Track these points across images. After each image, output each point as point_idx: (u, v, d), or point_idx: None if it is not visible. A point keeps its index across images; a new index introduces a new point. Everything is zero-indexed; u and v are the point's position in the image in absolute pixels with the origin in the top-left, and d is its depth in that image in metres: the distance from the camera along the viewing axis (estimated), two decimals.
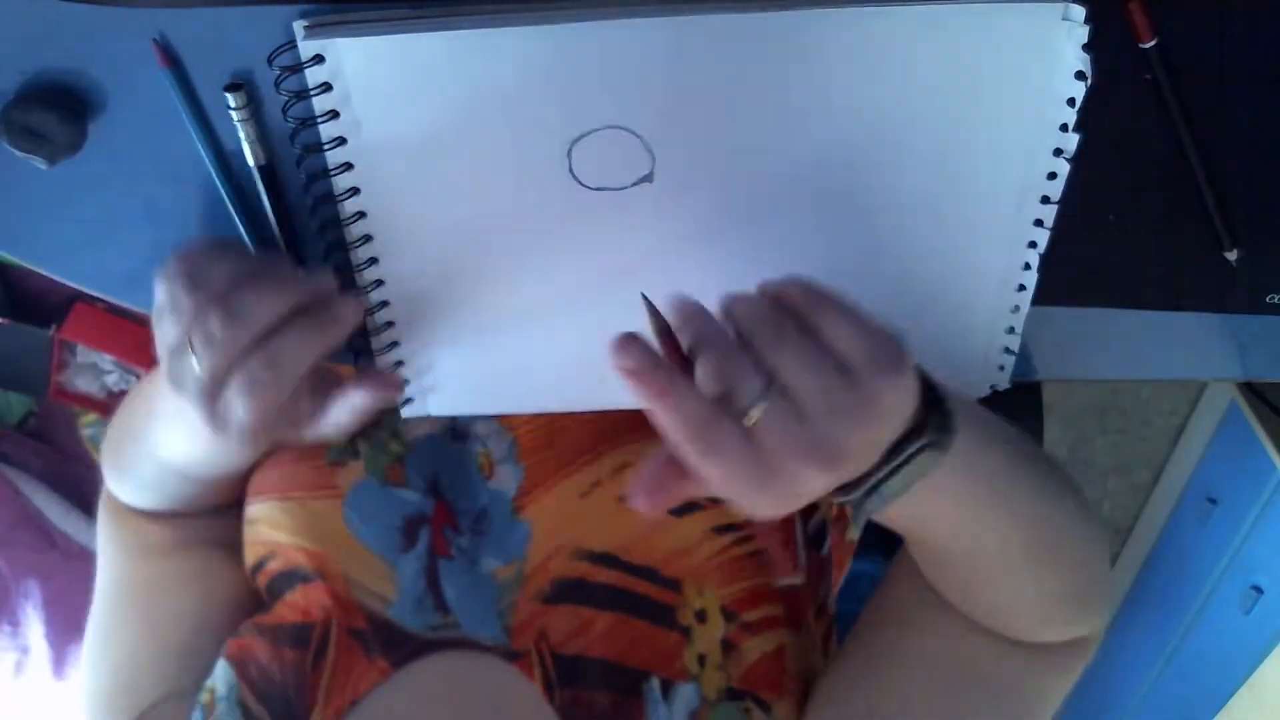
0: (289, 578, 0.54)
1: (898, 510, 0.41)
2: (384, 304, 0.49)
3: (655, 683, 0.50)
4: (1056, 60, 0.42)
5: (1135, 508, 1.88)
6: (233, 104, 0.46)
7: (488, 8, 0.42)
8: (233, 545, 0.60)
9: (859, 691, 0.52)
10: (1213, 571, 1.59)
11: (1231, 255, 0.51)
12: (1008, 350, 0.53)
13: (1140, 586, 1.87)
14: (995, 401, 0.68)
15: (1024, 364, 0.55)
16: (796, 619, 0.56)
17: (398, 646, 0.51)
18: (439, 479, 0.57)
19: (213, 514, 0.62)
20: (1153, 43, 0.44)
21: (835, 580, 0.69)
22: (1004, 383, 0.54)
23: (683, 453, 0.36)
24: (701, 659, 0.51)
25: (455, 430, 0.59)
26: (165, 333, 0.43)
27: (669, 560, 0.53)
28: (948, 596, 0.53)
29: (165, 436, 0.54)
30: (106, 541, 0.63)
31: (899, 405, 0.36)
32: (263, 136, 0.47)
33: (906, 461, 0.39)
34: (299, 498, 0.56)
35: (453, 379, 0.53)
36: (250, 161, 0.48)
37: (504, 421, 0.58)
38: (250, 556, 0.57)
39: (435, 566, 0.54)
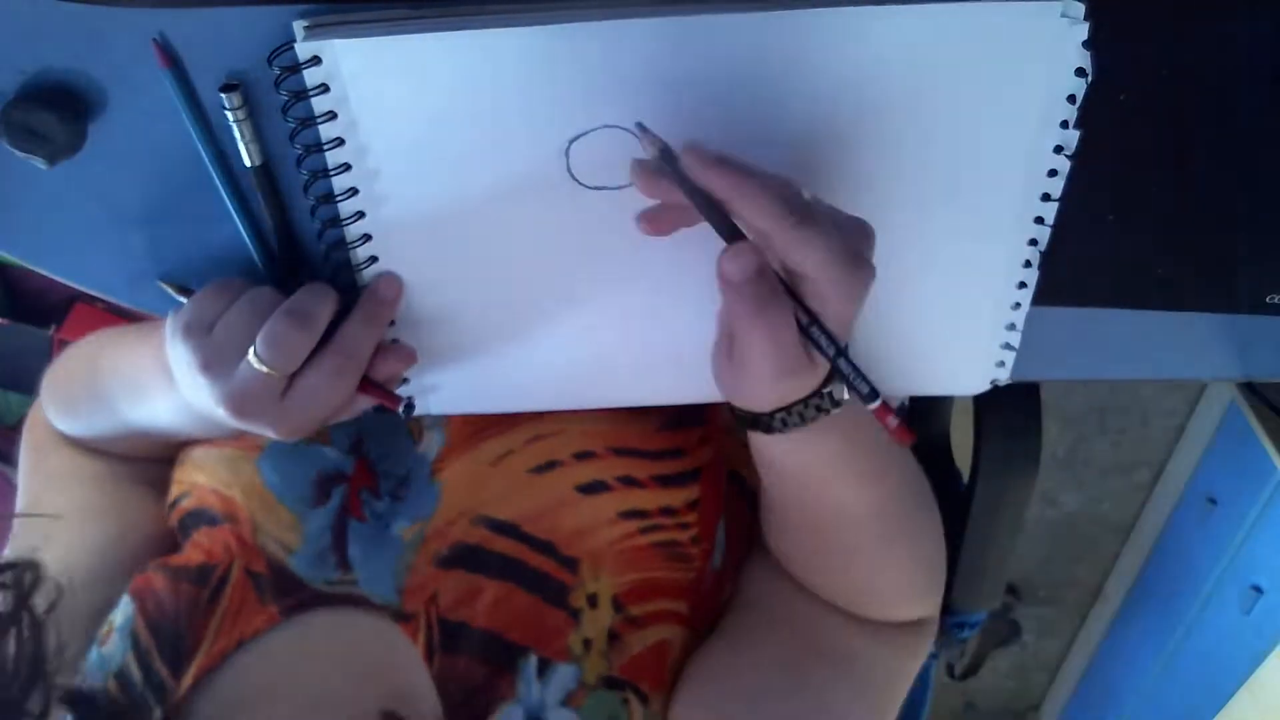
0: (197, 517, 0.55)
1: (818, 431, 0.44)
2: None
3: (533, 660, 0.50)
4: (1057, 57, 0.42)
5: (1135, 508, 1.88)
6: (228, 104, 0.46)
7: (487, 8, 0.42)
8: (156, 483, 0.61)
9: (722, 664, 0.53)
10: (1213, 571, 1.59)
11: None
12: (1008, 346, 0.53)
13: (1140, 586, 1.87)
14: (995, 400, 0.68)
15: (1024, 364, 0.55)
16: (698, 619, 0.56)
17: (291, 594, 0.52)
18: (365, 441, 0.57)
19: (147, 460, 0.63)
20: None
21: None
22: (1004, 378, 0.54)
23: (775, 227, 0.38)
24: (586, 643, 0.51)
25: None
26: (207, 347, 0.45)
27: (571, 538, 0.53)
28: (809, 575, 0.56)
29: (151, 412, 0.55)
30: (32, 468, 0.64)
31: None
32: (259, 137, 0.47)
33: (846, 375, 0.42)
34: (220, 444, 0.57)
35: (452, 378, 0.53)
36: (246, 162, 0.48)
37: None
38: (172, 493, 0.58)
39: (344, 525, 0.54)
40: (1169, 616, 1.72)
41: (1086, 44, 0.42)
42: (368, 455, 0.57)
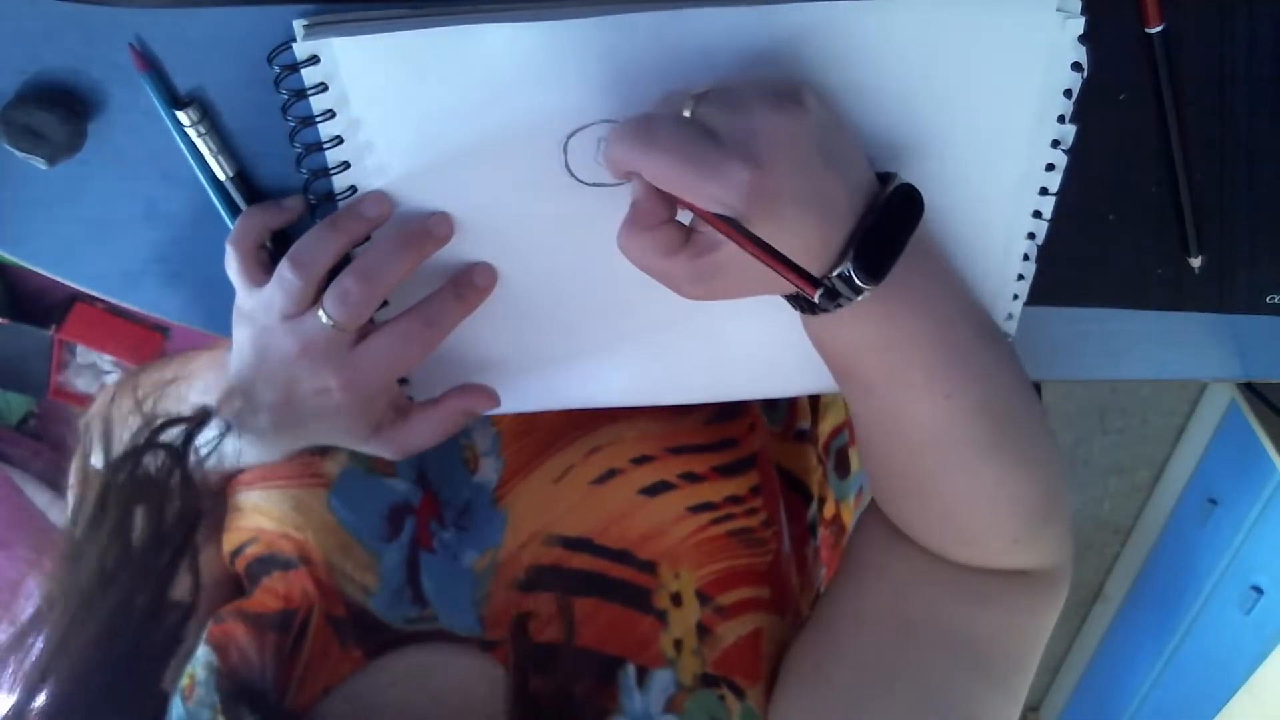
0: (268, 562, 0.54)
1: (890, 300, 0.42)
2: (383, 304, 0.49)
3: (630, 669, 0.49)
4: (1053, 52, 0.42)
5: (1135, 508, 1.88)
6: (186, 121, 0.46)
7: (484, 5, 0.42)
8: (209, 525, 0.59)
9: (822, 659, 0.51)
10: (1213, 571, 1.59)
11: (1195, 261, 0.51)
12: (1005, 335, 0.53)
13: (1140, 586, 1.87)
14: None
15: (1024, 364, 0.55)
16: (782, 603, 0.55)
17: (373, 637, 0.51)
18: (427, 470, 0.57)
19: None
20: (1159, 28, 0.44)
21: (825, 580, 0.69)
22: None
23: (638, 157, 0.39)
24: (678, 644, 0.50)
25: None
26: (273, 300, 0.46)
27: (644, 542, 0.53)
28: (896, 509, 0.53)
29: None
30: None
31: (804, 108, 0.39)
32: (226, 147, 0.48)
33: (889, 201, 0.40)
34: (283, 485, 0.56)
35: (450, 377, 0.53)
36: (219, 175, 0.48)
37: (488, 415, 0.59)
38: (230, 542, 0.57)
39: (417, 558, 0.54)
40: (1169, 616, 1.72)
41: (1083, 39, 0.42)
42: (431, 485, 0.57)
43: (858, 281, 0.40)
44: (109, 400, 0.62)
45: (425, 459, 0.57)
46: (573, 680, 0.49)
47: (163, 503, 0.47)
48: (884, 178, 0.42)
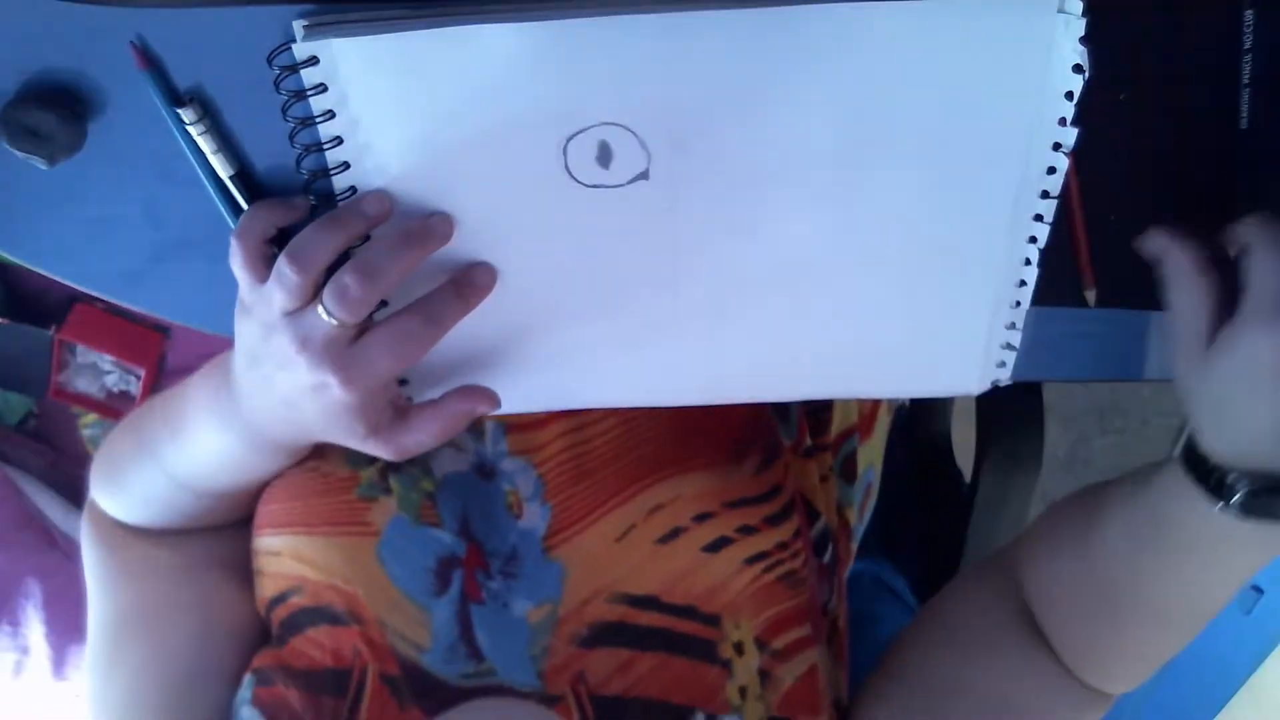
0: (315, 614, 0.53)
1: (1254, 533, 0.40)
2: (383, 304, 0.49)
3: (700, 718, 0.50)
4: (1054, 53, 0.42)
5: None
6: (187, 119, 0.46)
7: (484, 6, 0.42)
8: (234, 567, 0.59)
9: (909, 712, 0.53)
10: None
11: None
12: (1009, 346, 0.53)
13: None
14: (997, 400, 0.68)
15: (1024, 364, 0.55)
16: (819, 633, 0.57)
17: (432, 695, 0.51)
18: (469, 519, 0.57)
19: (214, 533, 0.61)
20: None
21: (839, 585, 0.69)
22: (1005, 379, 0.54)
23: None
24: (743, 691, 0.52)
25: (482, 468, 0.59)
26: (273, 295, 0.45)
27: (707, 597, 0.54)
28: (1068, 633, 0.52)
29: (192, 448, 0.54)
30: (99, 566, 0.62)
31: None
32: (227, 145, 0.47)
33: None
34: (328, 533, 0.55)
35: (450, 377, 0.53)
36: (220, 173, 0.48)
37: (530, 458, 0.59)
38: (271, 588, 0.56)
39: (468, 611, 0.54)
40: None
41: (1084, 40, 0.42)
42: (475, 535, 0.57)
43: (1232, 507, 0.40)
44: (110, 446, 0.62)
45: (468, 507, 0.57)
46: None
47: None
48: None
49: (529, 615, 0.54)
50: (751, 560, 0.55)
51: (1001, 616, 0.54)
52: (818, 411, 0.70)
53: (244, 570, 0.58)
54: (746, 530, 0.55)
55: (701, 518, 0.55)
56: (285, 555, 0.55)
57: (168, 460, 0.56)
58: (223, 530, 0.61)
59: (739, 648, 0.53)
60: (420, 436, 0.50)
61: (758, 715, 0.51)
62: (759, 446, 0.59)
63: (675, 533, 0.55)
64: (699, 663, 0.52)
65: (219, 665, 0.54)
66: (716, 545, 0.55)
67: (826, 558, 0.65)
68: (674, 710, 0.50)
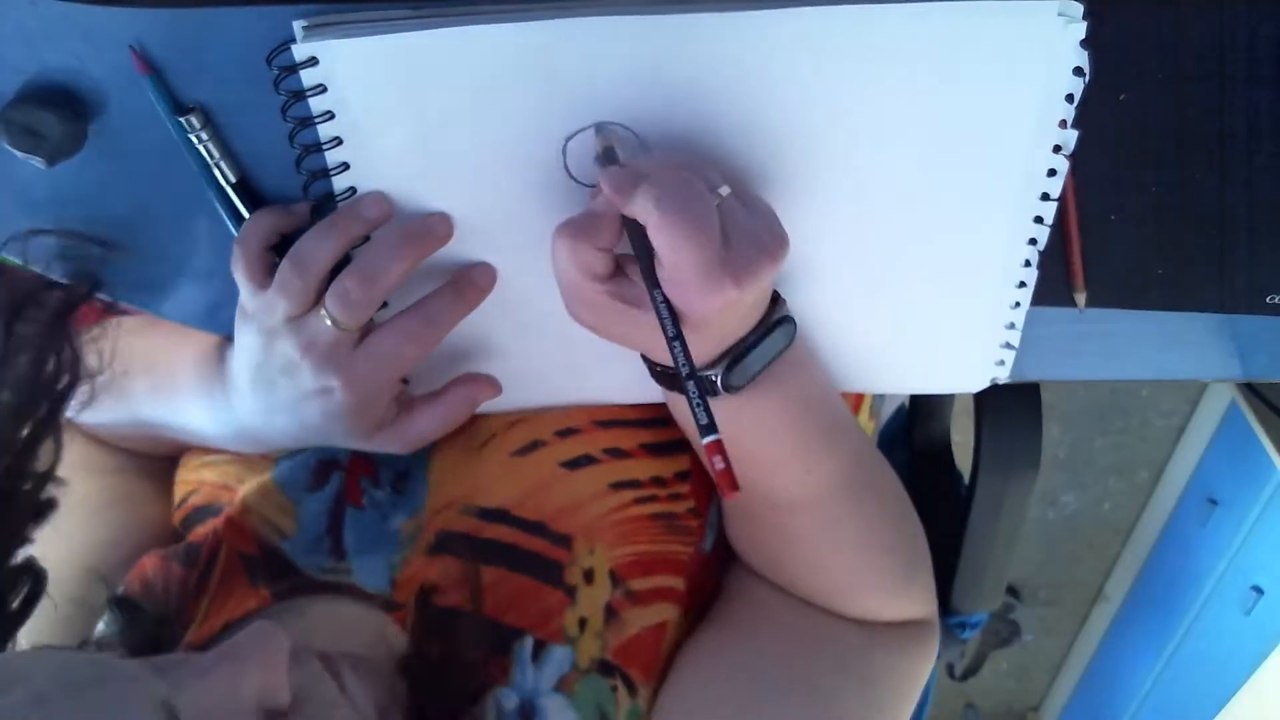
0: (205, 511, 0.55)
1: (753, 399, 0.45)
2: (383, 305, 0.49)
3: (528, 643, 0.49)
4: (1054, 56, 0.42)
5: (1135, 508, 1.88)
6: (189, 128, 0.46)
7: (483, 7, 0.42)
8: (164, 478, 0.60)
9: (721, 656, 0.52)
10: (1213, 572, 1.59)
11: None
12: (1008, 345, 0.53)
13: (1140, 586, 1.87)
14: (996, 400, 0.68)
15: (1024, 364, 0.55)
16: (692, 600, 0.55)
17: (283, 580, 0.51)
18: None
19: (153, 456, 0.63)
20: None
21: None
22: (1004, 377, 0.54)
23: (657, 210, 0.39)
24: (582, 622, 0.50)
25: None
26: (275, 301, 0.45)
27: (561, 515, 0.52)
28: (770, 571, 0.56)
29: (172, 415, 0.55)
30: None
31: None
32: (229, 153, 0.48)
33: (773, 327, 0.45)
34: None
35: (450, 376, 0.53)
36: (221, 180, 0.48)
37: None
38: (178, 493, 0.58)
39: (341, 511, 0.54)
40: (1169, 616, 1.72)
41: (1084, 43, 0.42)
42: None
43: (719, 387, 0.44)
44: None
45: None
46: (467, 648, 0.49)
47: (35, 365, 0.46)
48: (774, 298, 0.46)
49: (402, 527, 0.54)
50: (618, 485, 0.53)
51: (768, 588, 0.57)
52: None
53: (171, 482, 0.60)
54: (616, 453, 0.54)
55: (565, 432, 0.54)
56: (192, 464, 0.57)
57: (139, 407, 0.57)
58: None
59: (589, 575, 0.51)
60: (424, 427, 0.51)
61: (591, 652, 0.49)
62: None
63: (534, 445, 0.54)
64: (540, 583, 0.51)
65: (129, 561, 0.54)
66: (578, 463, 0.53)
67: None
68: (504, 630, 0.49)
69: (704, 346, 0.43)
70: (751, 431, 0.47)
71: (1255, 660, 1.47)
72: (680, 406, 0.49)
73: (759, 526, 0.54)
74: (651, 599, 0.52)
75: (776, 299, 0.46)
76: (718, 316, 0.41)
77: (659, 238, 0.39)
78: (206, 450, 0.58)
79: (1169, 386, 1.70)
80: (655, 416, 0.56)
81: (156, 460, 0.63)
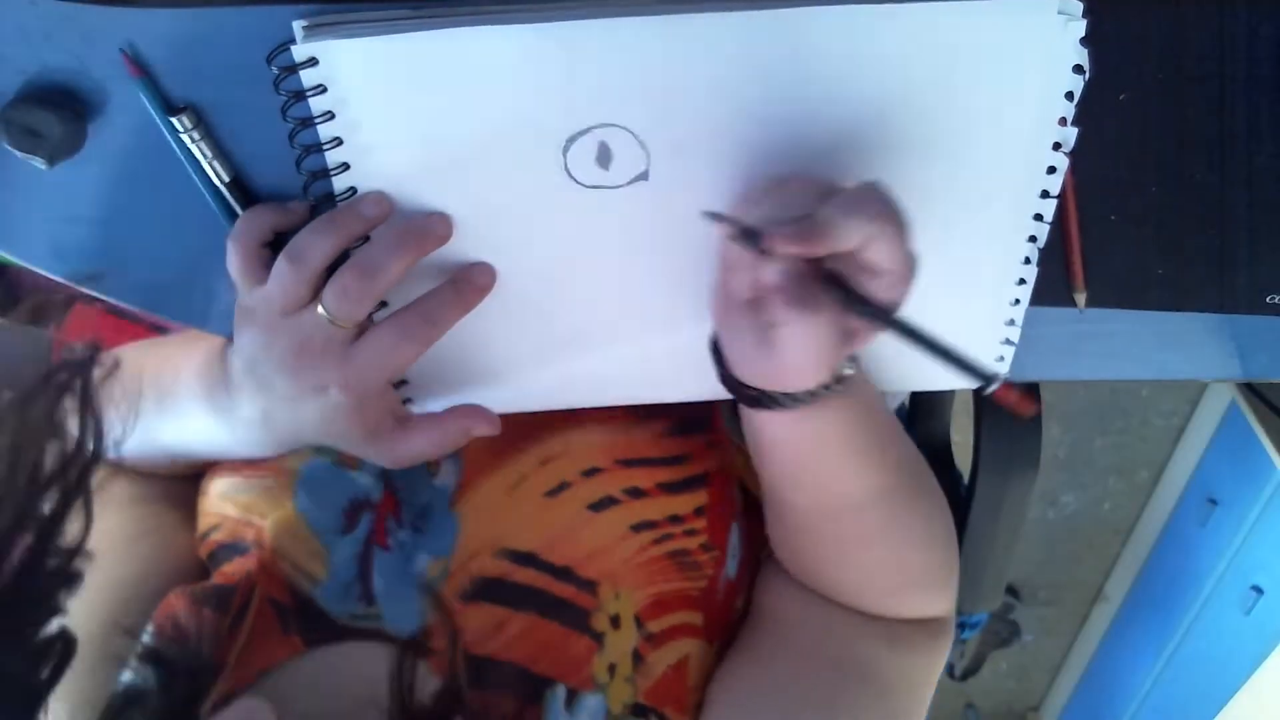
0: (230, 550, 0.54)
1: (819, 407, 0.45)
2: (383, 305, 0.49)
3: (560, 691, 0.49)
4: (1054, 54, 0.42)
5: (1135, 508, 1.88)
6: (181, 127, 0.46)
7: (484, 7, 0.42)
8: (187, 506, 0.60)
9: (748, 686, 0.52)
10: (1213, 571, 1.59)
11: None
12: (1008, 342, 0.53)
13: (1140, 586, 1.87)
14: (996, 400, 0.68)
15: (1024, 364, 0.55)
16: (712, 630, 0.55)
17: (315, 627, 0.51)
18: (390, 468, 0.57)
19: (174, 478, 0.62)
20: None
21: None
22: (1004, 374, 0.54)
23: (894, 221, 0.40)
24: (611, 668, 0.50)
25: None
26: (271, 296, 0.45)
27: (587, 560, 0.53)
28: (811, 572, 0.56)
29: (178, 423, 0.55)
30: None
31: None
32: (221, 152, 0.48)
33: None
34: (250, 473, 0.56)
35: (450, 377, 0.53)
36: (215, 180, 0.48)
37: None
38: (200, 526, 0.57)
39: (370, 555, 0.54)
40: (1169, 616, 1.72)
41: (1084, 41, 0.42)
42: (394, 483, 0.56)
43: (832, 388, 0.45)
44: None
45: None
46: (504, 698, 0.49)
47: (54, 442, 0.45)
48: None
49: (429, 569, 0.54)
50: (638, 527, 0.53)
51: (790, 586, 0.58)
52: None
53: (194, 510, 0.59)
54: (635, 493, 0.54)
55: (590, 472, 0.54)
56: (213, 495, 0.57)
57: (149, 422, 0.57)
58: (181, 476, 0.62)
59: (615, 621, 0.52)
60: (416, 447, 0.50)
61: (623, 698, 0.50)
62: (676, 414, 0.57)
63: (562, 486, 0.54)
64: (570, 630, 0.51)
65: (154, 595, 0.54)
66: (601, 504, 0.53)
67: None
68: (535, 680, 0.49)
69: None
70: (820, 439, 0.48)
71: (1255, 660, 1.47)
72: (778, 429, 0.48)
73: (808, 533, 0.54)
74: (668, 638, 0.53)
75: None
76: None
77: (883, 248, 0.40)
78: (224, 473, 0.57)
79: (1169, 386, 1.70)
80: (676, 455, 0.56)
81: (179, 485, 0.62)
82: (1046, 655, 2.16)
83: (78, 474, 0.45)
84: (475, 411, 0.51)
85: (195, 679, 0.47)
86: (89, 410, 0.45)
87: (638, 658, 0.51)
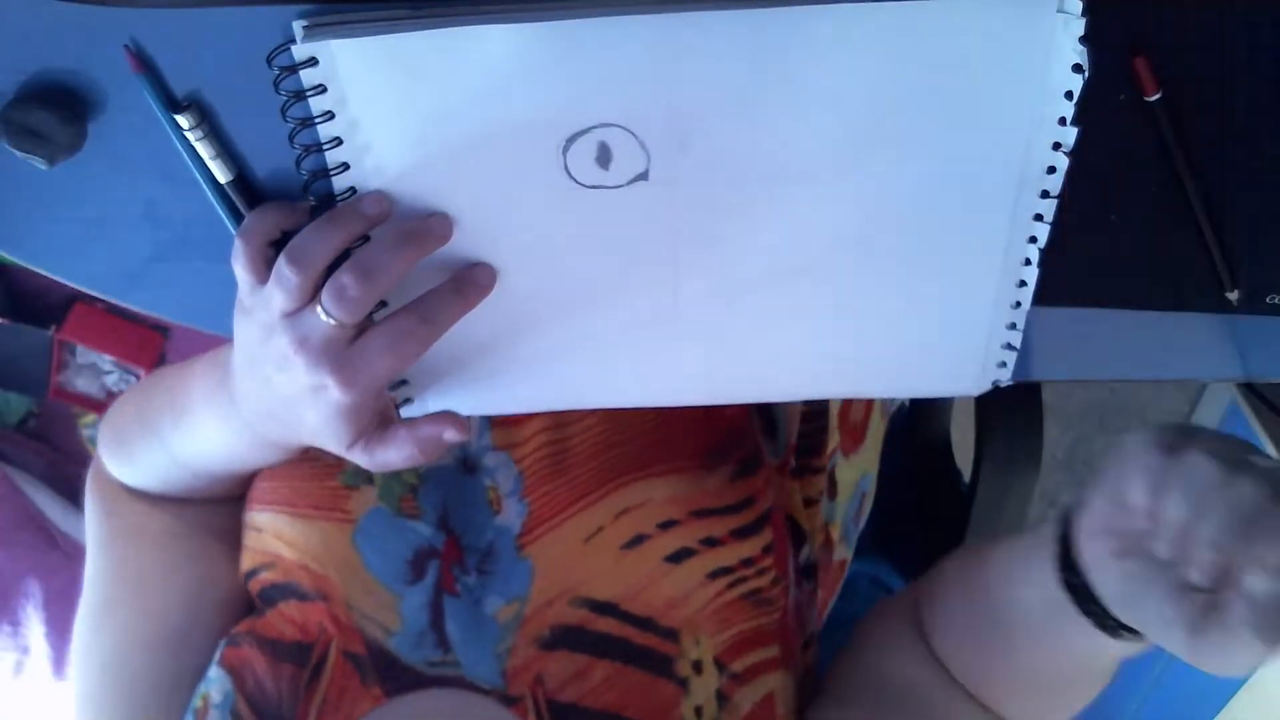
0: (284, 590, 0.54)
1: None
2: (383, 304, 0.49)
3: None
4: (1053, 53, 0.42)
5: None
6: (185, 125, 0.46)
7: (484, 6, 0.42)
8: (227, 536, 0.60)
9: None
10: None
11: (1233, 295, 0.51)
12: (1010, 346, 0.53)
13: None
14: (997, 400, 0.68)
15: (1024, 364, 0.55)
16: (788, 658, 0.56)
17: (395, 677, 0.51)
18: (449, 513, 0.57)
19: (210, 503, 0.62)
20: (1157, 96, 0.45)
21: (822, 609, 0.69)
22: (1006, 379, 0.54)
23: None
24: (699, 711, 0.51)
25: (466, 462, 0.59)
26: (272, 295, 0.45)
27: (667, 610, 0.53)
28: (963, 676, 0.54)
29: (192, 435, 0.55)
30: (98, 525, 0.63)
31: None
32: (226, 151, 0.48)
33: None
34: (309, 515, 0.55)
35: (450, 378, 0.53)
36: (219, 178, 0.48)
37: (512, 453, 0.58)
38: (249, 562, 0.57)
39: (441, 603, 0.54)
40: None
41: (1083, 40, 0.42)
42: (454, 529, 0.57)
43: None
44: (117, 411, 0.62)
45: (448, 501, 0.57)
46: None
47: None
48: None
49: (499, 613, 0.54)
50: (714, 575, 0.54)
51: (907, 654, 0.56)
52: (812, 434, 0.69)
53: (236, 539, 0.59)
54: (710, 543, 0.55)
55: (666, 525, 0.55)
56: (266, 532, 0.56)
57: (169, 441, 0.57)
58: (218, 501, 0.62)
59: (697, 666, 0.52)
60: (394, 455, 0.50)
61: None
62: (736, 456, 0.58)
63: (639, 539, 0.55)
64: (655, 677, 0.52)
65: (203, 628, 0.55)
66: (679, 556, 0.54)
67: (814, 585, 0.65)
68: None
69: None
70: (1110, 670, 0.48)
71: None
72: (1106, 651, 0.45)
73: (1008, 679, 0.53)
74: (753, 675, 0.53)
75: None
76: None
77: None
78: (270, 508, 0.57)
79: (1169, 386, 1.70)
80: (742, 500, 0.57)
81: (218, 515, 0.62)
82: None
83: None
84: (446, 419, 0.50)
85: None
86: None
87: (722, 698, 0.52)
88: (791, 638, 0.58)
